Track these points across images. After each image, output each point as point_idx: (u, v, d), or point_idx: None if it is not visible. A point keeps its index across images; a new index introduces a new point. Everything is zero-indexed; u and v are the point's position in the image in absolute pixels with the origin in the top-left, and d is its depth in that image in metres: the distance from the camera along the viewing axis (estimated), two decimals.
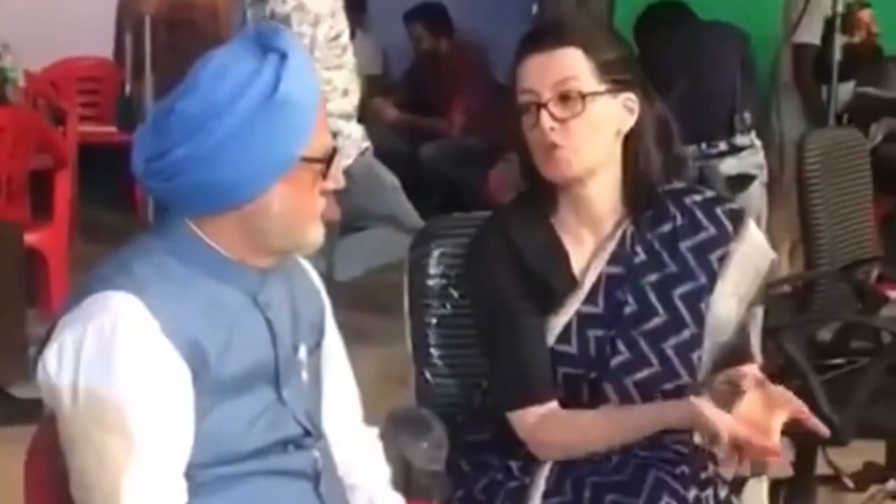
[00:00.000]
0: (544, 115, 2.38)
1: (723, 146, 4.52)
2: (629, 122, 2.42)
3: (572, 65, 2.39)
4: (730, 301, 2.48)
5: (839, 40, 5.70)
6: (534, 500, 2.35)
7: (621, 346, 2.42)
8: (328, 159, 1.97)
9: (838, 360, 3.66)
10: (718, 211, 2.50)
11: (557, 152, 2.39)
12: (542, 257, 2.45)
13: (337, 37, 4.10)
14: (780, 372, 3.37)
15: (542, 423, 2.42)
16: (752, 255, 2.50)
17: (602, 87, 2.39)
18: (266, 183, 1.93)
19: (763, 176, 4.50)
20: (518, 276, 2.44)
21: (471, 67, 7.95)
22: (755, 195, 4.35)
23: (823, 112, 5.82)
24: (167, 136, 1.92)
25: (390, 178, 5.30)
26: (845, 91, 6.25)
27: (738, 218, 2.51)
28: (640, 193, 2.45)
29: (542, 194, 2.47)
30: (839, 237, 4.13)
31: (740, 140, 4.52)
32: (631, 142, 2.43)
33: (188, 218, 1.98)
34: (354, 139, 4.57)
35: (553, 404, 2.43)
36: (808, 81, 5.98)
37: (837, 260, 4.09)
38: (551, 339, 2.44)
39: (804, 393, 3.34)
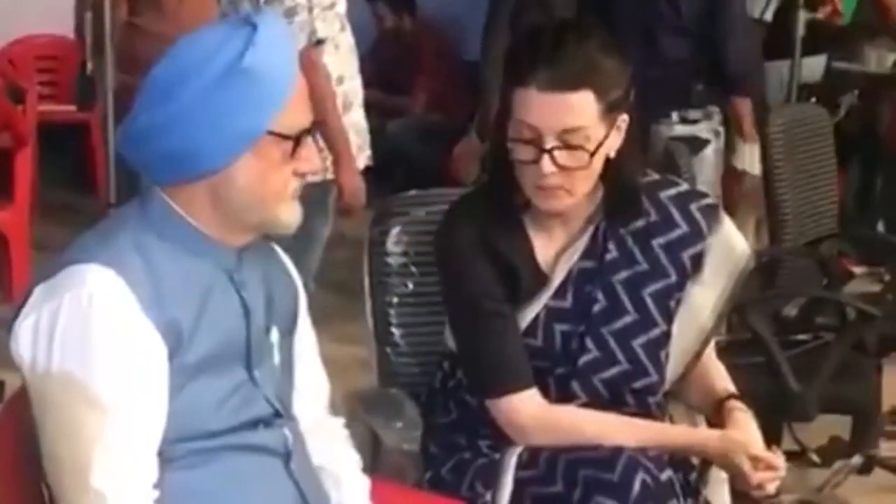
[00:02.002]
0: (546, 160, 2.28)
1: (674, 118, 4.47)
2: (619, 142, 2.35)
3: (584, 113, 2.27)
4: (707, 295, 2.47)
5: (803, 16, 5.70)
6: (506, 476, 2.34)
7: (590, 345, 2.40)
8: (297, 138, 1.95)
9: (804, 336, 3.67)
10: (693, 207, 2.46)
11: (554, 191, 2.32)
12: (510, 248, 2.40)
13: (332, 5, 3.90)
14: (745, 347, 3.38)
15: (539, 420, 2.37)
16: (728, 250, 2.48)
17: (606, 130, 2.30)
18: (230, 154, 1.92)
19: (719, 143, 4.46)
20: (489, 263, 2.38)
21: (435, 46, 7.93)
22: (708, 161, 4.31)
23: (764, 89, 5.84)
24: (140, 102, 1.94)
25: None
26: (816, 65, 6.27)
27: (712, 214, 2.48)
28: (624, 204, 2.41)
29: (515, 195, 2.38)
30: (803, 213, 4.15)
31: (693, 114, 4.47)
32: (617, 158, 2.36)
33: (163, 189, 1.97)
34: (358, 131, 4.05)
35: (533, 392, 2.38)
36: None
37: (802, 236, 4.11)
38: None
39: (769, 369, 3.36)
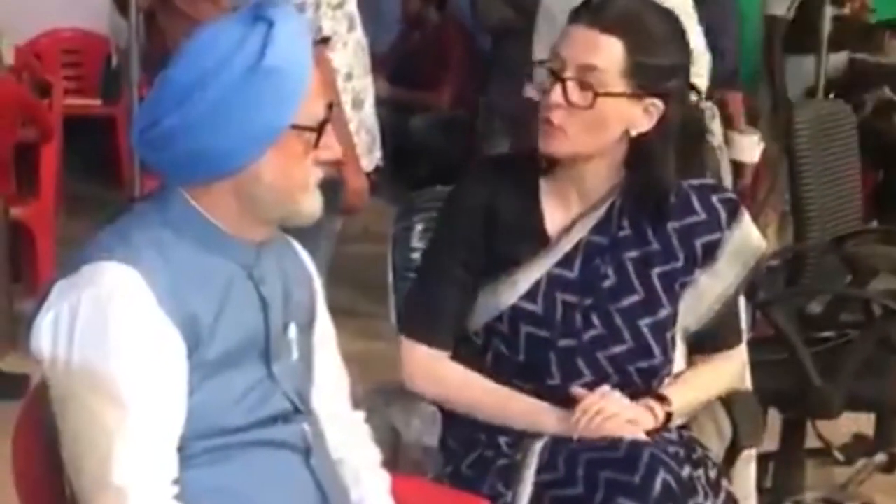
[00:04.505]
0: (557, 89, 2.36)
1: None
2: (644, 125, 2.39)
3: (606, 56, 2.34)
4: (716, 285, 2.49)
5: (829, 12, 5.68)
6: (527, 478, 2.34)
7: (596, 321, 2.43)
8: (320, 127, 1.96)
9: (828, 333, 3.66)
10: (714, 199, 2.49)
11: (552, 129, 2.38)
12: (516, 211, 2.47)
13: (341, 4, 3.89)
14: (769, 344, 3.37)
15: (430, 370, 2.49)
16: (744, 246, 2.50)
17: (624, 89, 2.35)
18: (256, 151, 1.92)
19: (714, 140, 4.47)
20: (485, 224, 2.47)
21: (462, 41, 7.91)
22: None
23: (783, 85, 5.83)
24: (159, 105, 1.93)
25: None
26: (838, 60, 6.25)
27: (733, 208, 2.50)
28: (646, 192, 2.43)
29: (538, 157, 2.45)
30: (828, 209, 4.13)
31: None
32: (646, 145, 2.39)
33: (184, 188, 1.97)
34: (369, 129, 4.03)
35: (446, 354, 2.50)
36: (775, 53, 5.95)
37: (827, 232, 4.09)
38: (516, 295, 2.45)
39: (793, 366, 3.35)
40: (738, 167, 4.68)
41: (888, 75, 6.49)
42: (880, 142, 6.04)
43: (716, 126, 4.46)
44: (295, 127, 1.93)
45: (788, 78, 6.06)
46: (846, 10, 6.49)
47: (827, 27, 5.64)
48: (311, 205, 2.00)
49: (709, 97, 4.48)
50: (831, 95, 5.65)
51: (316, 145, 1.96)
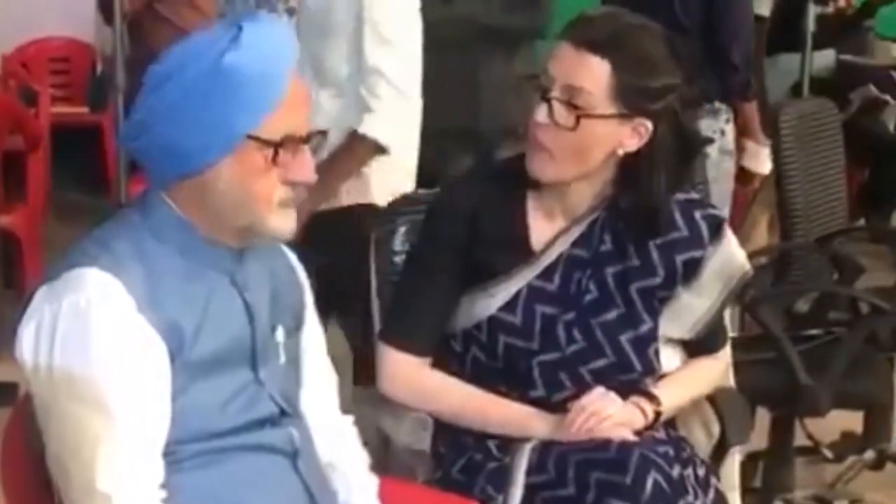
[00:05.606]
0: (543, 107, 2.33)
1: None
2: (633, 144, 2.35)
3: (593, 77, 2.30)
4: (697, 303, 2.48)
5: (813, 10, 5.69)
6: (516, 480, 2.34)
7: (577, 335, 2.42)
8: (279, 144, 1.93)
9: (816, 331, 3.67)
10: (697, 215, 2.46)
11: (538, 151, 2.36)
12: (501, 221, 2.44)
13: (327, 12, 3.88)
14: (757, 343, 3.38)
15: (408, 377, 2.47)
16: (726, 265, 2.48)
17: (612, 111, 2.31)
18: (210, 154, 1.91)
19: (725, 143, 4.45)
20: (468, 233, 2.44)
21: None
22: (712, 160, 4.28)
23: (763, 85, 5.83)
24: (141, 95, 1.95)
25: None
26: (825, 59, 6.26)
27: (715, 225, 2.47)
28: (635, 213, 2.40)
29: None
30: (814, 208, 4.14)
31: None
32: (634, 164, 2.36)
33: (164, 192, 1.98)
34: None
35: (426, 361, 2.48)
36: (757, 53, 5.95)
37: (813, 231, 4.10)
38: (495, 305, 2.44)
39: (781, 364, 3.36)
40: (746, 174, 4.67)
41: (874, 74, 6.52)
42: (866, 140, 6.06)
43: (729, 129, 4.44)
44: (251, 138, 1.91)
45: (776, 76, 6.06)
46: (830, 9, 6.51)
47: (811, 26, 5.65)
48: (278, 223, 1.97)
49: (724, 101, 4.47)
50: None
51: (273, 161, 1.92)
